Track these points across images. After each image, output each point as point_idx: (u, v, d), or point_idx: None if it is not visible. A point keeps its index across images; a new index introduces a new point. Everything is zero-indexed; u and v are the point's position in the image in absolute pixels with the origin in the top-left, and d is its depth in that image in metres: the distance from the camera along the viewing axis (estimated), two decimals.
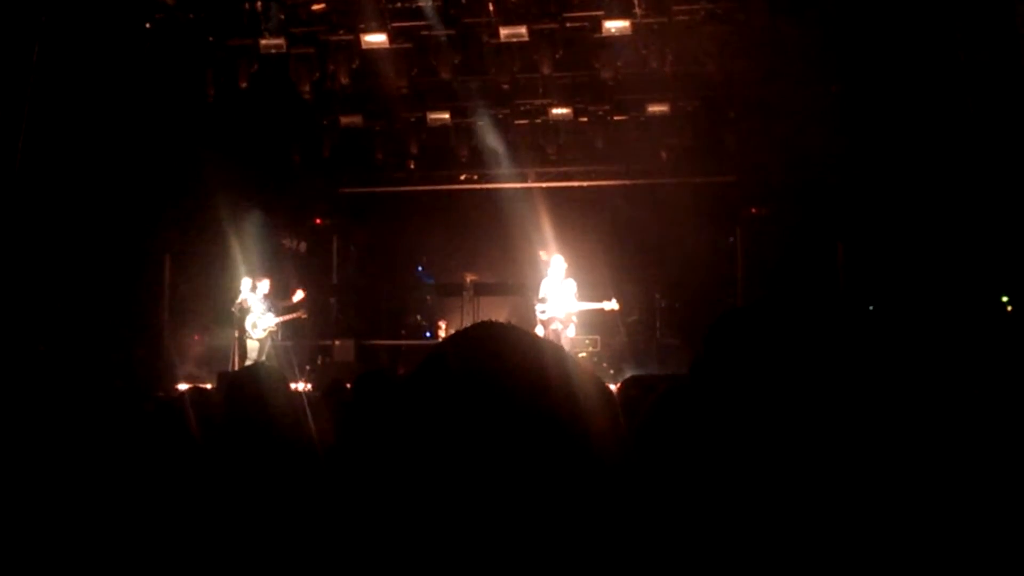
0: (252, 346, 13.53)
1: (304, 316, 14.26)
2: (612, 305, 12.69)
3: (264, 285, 13.68)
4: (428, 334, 16.32)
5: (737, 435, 1.81)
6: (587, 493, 1.18)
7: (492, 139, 14.98)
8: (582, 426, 1.22)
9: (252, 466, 3.18)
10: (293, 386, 11.39)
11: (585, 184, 16.13)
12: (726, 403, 1.87)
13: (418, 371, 1.30)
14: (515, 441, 1.18)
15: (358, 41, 12.95)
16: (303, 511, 2.69)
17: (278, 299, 13.89)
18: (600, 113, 14.60)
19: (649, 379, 4.56)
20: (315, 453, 3.38)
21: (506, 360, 1.25)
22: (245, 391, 3.74)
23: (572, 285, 12.63)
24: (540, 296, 12.71)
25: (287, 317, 13.96)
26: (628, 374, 9.29)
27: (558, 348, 1.32)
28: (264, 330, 13.62)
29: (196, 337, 14.99)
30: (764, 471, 1.74)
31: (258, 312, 13.59)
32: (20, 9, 11.16)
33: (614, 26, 12.37)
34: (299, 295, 14.10)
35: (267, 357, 13.50)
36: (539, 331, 12.61)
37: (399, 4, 12.87)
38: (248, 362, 12.98)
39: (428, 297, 17.13)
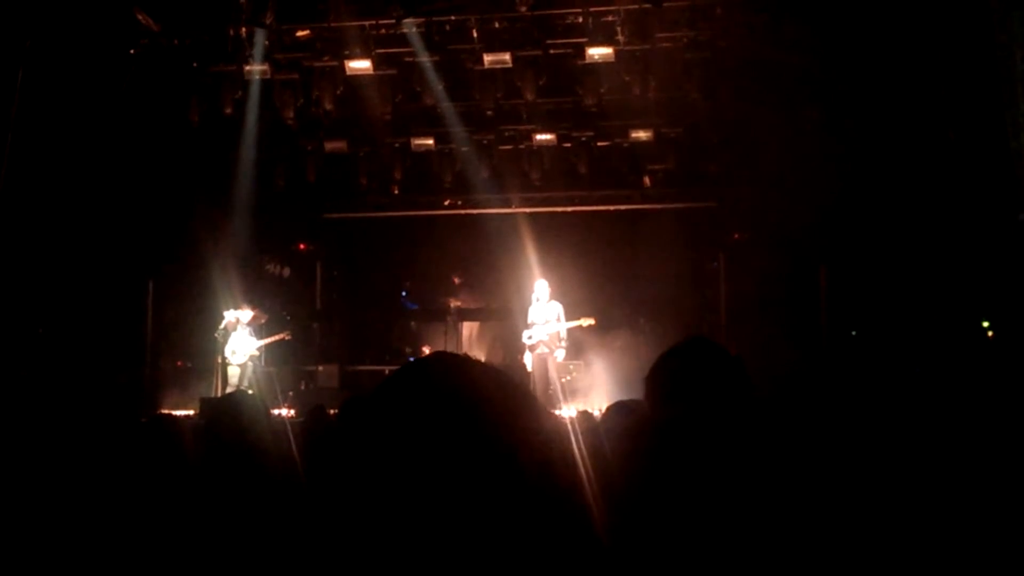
0: (233, 372, 13.48)
1: (288, 337, 14.22)
2: (588, 321, 12.77)
3: (246, 313, 13.64)
4: (412, 360, 16.28)
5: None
6: (534, 514, 1.19)
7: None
8: (530, 450, 1.23)
9: (232, 492, 3.16)
10: (276, 412, 11.35)
11: (569, 209, 16.18)
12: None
13: (374, 400, 1.30)
14: (471, 463, 1.19)
15: (342, 67, 12.98)
16: (284, 535, 2.68)
17: (260, 326, 13.85)
18: (583, 139, 14.68)
19: (633, 404, 4.56)
20: (298, 479, 3.37)
21: (462, 388, 1.26)
22: (225, 419, 3.73)
23: (556, 308, 12.67)
24: (528, 322, 12.75)
25: (269, 340, 13.92)
26: (613, 399, 9.28)
27: (509, 378, 1.33)
28: (245, 355, 13.57)
29: (179, 363, 14.92)
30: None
31: (240, 337, 13.55)
32: (4, 34, 11.16)
33: (597, 53, 12.44)
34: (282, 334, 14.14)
35: (249, 382, 13.43)
36: (527, 357, 12.66)
37: (383, 31, 12.92)
38: (230, 388, 12.93)
39: (412, 323, 17.11)
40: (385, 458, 1.21)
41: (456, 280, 16.50)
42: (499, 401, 1.27)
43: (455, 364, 1.32)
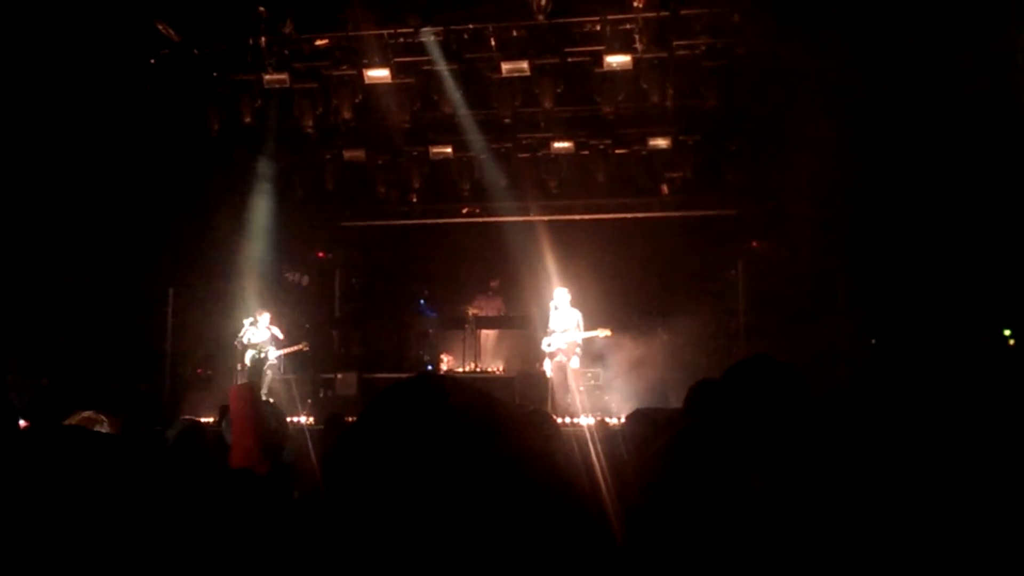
0: (252, 380, 13.53)
1: (306, 348, 14.27)
2: (604, 333, 12.76)
3: (264, 318, 13.70)
4: (430, 368, 16.30)
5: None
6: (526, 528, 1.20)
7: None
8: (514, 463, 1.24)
9: (244, 495, 3.17)
10: (295, 419, 11.37)
11: (587, 217, 16.16)
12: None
13: (361, 421, 1.31)
14: (465, 482, 1.20)
15: (361, 76, 13.03)
16: (299, 539, 2.69)
17: (278, 334, 13.91)
18: (601, 147, 14.66)
19: (652, 412, 4.55)
20: (316, 485, 3.38)
21: (444, 410, 1.27)
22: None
23: (575, 316, 12.69)
24: (548, 329, 12.78)
25: (288, 350, 13.98)
26: (631, 407, 9.27)
27: (494, 398, 1.33)
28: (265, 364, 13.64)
29: (199, 370, 14.98)
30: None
31: (259, 346, 13.60)
32: (28, 44, 11.25)
33: (615, 61, 12.44)
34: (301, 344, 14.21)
35: (268, 391, 13.48)
36: (547, 364, 12.68)
37: (402, 40, 12.97)
38: None
39: (430, 330, 17.11)
40: (384, 478, 1.23)
41: (493, 284, 16.41)
42: (490, 420, 1.27)
43: (442, 385, 1.33)
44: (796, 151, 12.73)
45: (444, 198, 16.25)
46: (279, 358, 13.87)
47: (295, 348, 14.09)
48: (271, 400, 12.59)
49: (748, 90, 12.72)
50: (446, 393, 1.30)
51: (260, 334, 13.66)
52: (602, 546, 1.37)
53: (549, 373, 12.83)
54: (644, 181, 15.29)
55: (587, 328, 12.74)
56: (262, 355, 13.61)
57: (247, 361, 13.56)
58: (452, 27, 12.75)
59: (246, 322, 13.60)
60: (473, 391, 1.33)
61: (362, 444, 1.29)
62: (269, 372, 13.71)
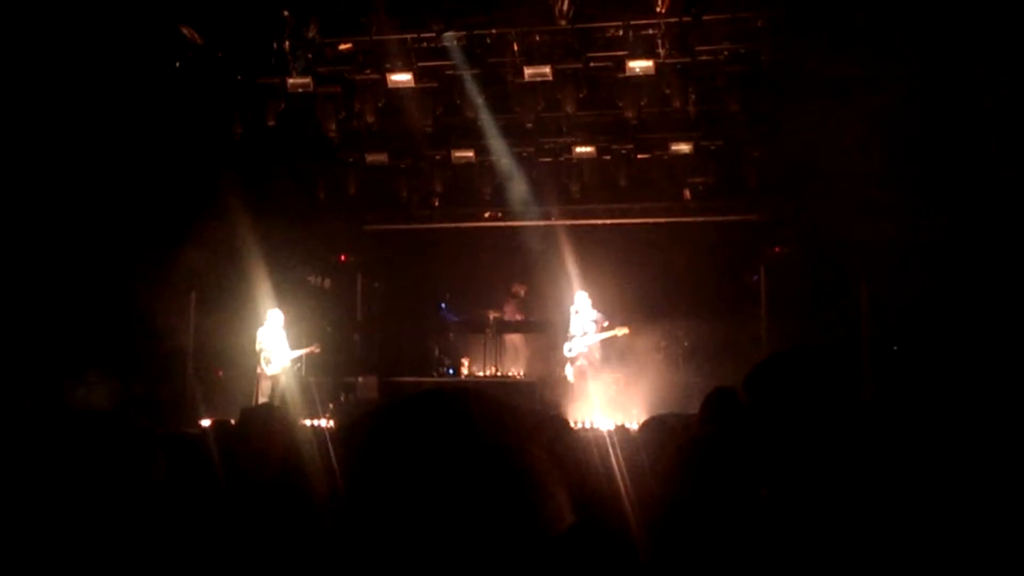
0: (265, 385, 13.52)
1: (318, 350, 14.28)
2: (622, 331, 12.79)
3: (278, 317, 13.67)
4: (451, 371, 16.33)
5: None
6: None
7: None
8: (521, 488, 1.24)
9: (263, 500, 3.19)
10: (316, 423, 11.40)
11: (609, 222, 16.15)
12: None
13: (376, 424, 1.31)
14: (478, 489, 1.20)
15: (384, 80, 13.07)
16: (309, 541, 2.70)
17: (292, 337, 13.94)
18: (623, 152, 14.65)
19: (670, 419, 4.54)
20: (336, 489, 3.39)
21: (467, 420, 1.27)
22: (252, 429, 3.78)
23: (596, 319, 12.72)
24: (569, 334, 12.79)
25: (301, 352, 14.00)
26: (652, 412, 9.25)
27: (509, 407, 1.33)
28: (279, 367, 13.63)
29: (220, 373, 15.04)
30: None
31: (274, 348, 13.59)
32: (53, 47, 11.34)
33: (638, 66, 12.42)
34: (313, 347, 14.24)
35: (287, 392, 13.48)
36: (567, 369, 12.69)
37: (425, 44, 13.00)
38: (263, 398, 13.05)
39: (451, 334, 17.14)
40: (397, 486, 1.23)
41: (514, 288, 16.41)
42: (500, 429, 1.27)
43: (460, 397, 1.33)
44: (818, 158, 12.68)
45: (466, 202, 16.26)
46: (294, 360, 13.88)
47: (307, 350, 14.12)
48: (282, 403, 12.63)
49: (771, 96, 12.68)
50: (464, 405, 1.30)
51: (275, 335, 13.67)
52: (618, 554, 1.37)
53: (570, 378, 12.84)
54: (666, 186, 15.28)
55: (608, 328, 12.79)
56: (271, 359, 13.57)
57: (263, 366, 13.55)
58: (475, 32, 12.77)
59: (266, 324, 13.67)
60: (491, 401, 1.33)
61: (381, 450, 1.29)
62: (283, 377, 13.66)
